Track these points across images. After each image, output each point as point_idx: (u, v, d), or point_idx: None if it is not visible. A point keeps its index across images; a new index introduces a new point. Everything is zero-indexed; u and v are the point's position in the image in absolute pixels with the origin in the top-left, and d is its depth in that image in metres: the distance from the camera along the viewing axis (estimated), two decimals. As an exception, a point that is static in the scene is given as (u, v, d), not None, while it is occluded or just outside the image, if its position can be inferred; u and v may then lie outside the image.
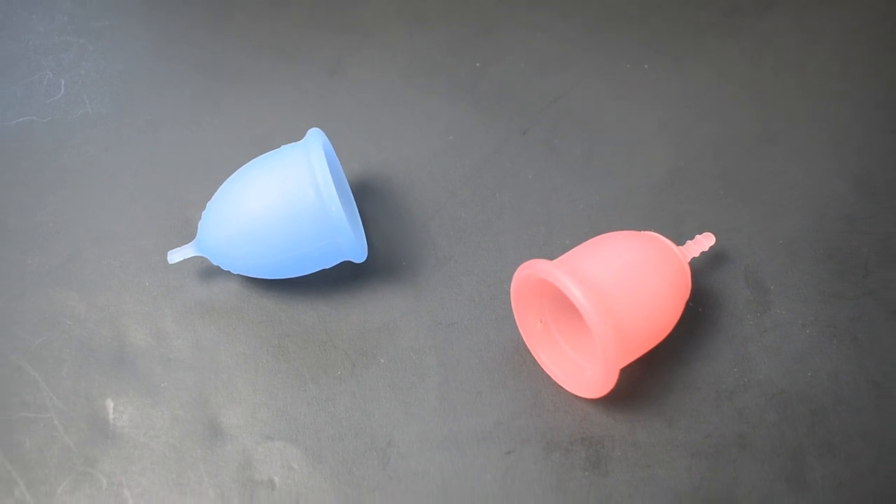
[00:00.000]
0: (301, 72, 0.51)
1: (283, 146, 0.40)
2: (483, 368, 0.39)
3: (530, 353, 0.39)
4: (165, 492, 0.36)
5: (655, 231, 0.39)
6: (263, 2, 0.54)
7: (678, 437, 0.37)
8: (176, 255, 0.40)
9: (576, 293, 0.33)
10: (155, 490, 0.36)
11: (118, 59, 0.51)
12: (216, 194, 0.40)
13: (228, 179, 0.40)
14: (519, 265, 0.37)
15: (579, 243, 0.39)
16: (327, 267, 0.40)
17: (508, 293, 0.39)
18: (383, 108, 0.49)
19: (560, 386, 0.38)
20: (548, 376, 0.39)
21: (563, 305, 0.39)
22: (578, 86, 0.50)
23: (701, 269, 0.42)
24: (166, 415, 0.38)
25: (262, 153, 0.41)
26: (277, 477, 0.36)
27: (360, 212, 0.44)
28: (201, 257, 0.41)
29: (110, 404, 0.38)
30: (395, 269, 0.43)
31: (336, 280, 0.42)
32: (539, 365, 0.39)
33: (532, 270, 0.36)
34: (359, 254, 0.39)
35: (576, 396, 0.38)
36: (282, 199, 0.37)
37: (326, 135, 0.42)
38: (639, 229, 0.40)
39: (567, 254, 0.38)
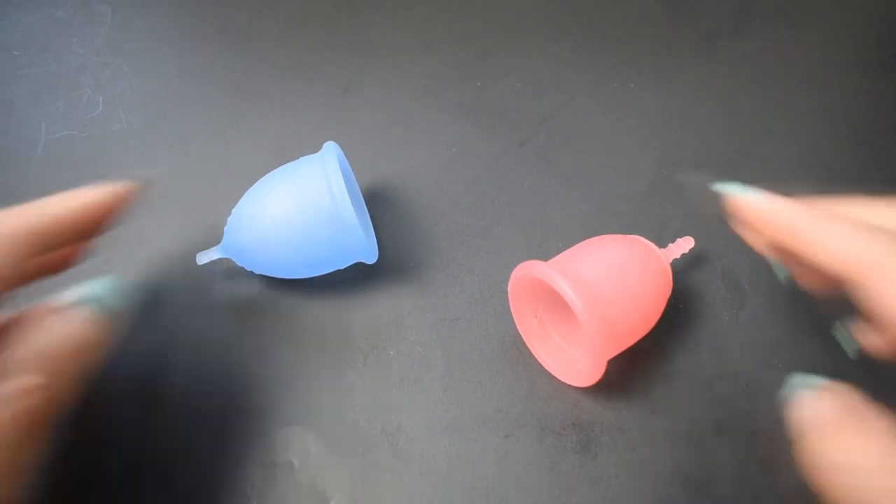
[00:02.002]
0: (317, 91, 0.51)
1: (301, 158, 0.40)
2: (483, 360, 0.40)
3: (526, 347, 0.40)
4: (195, 472, 0.36)
5: (640, 235, 0.39)
6: (283, 27, 0.54)
7: (661, 423, 0.37)
8: (204, 257, 0.40)
9: (567, 291, 0.33)
10: (185, 470, 0.36)
11: (151, 79, 0.51)
12: (240, 202, 0.40)
13: (251, 188, 0.40)
14: (516, 266, 0.37)
15: (571, 246, 0.39)
16: (342, 267, 0.40)
17: (506, 291, 0.40)
18: (392, 124, 0.49)
19: (553, 376, 0.39)
20: (542, 367, 0.39)
21: (557, 302, 0.39)
22: (570, 103, 0.51)
23: (682, 269, 0.43)
24: (195, 402, 0.38)
25: (281, 165, 0.41)
26: (296, 459, 0.36)
27: (371, 218, 0.44)
28: (227, 259, 0.41)
29: (144, 392, 0.38)
30: (404, 269, 0.43)
31: (350, 280, 0.42)
32: (534, 357, 0.39)
33: (528, 270, 0.36)
34: (370, 255, 0.39)
35: (568, 385, 0.38)
36: (300, 206, 0.37)
37: (341, 148, 0.42)
38: (625, 233, 0.40)
39: (560, 255, 0.38)
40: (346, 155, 0.43)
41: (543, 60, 0.53)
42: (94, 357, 0.27)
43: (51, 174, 0.46)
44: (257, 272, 0.40)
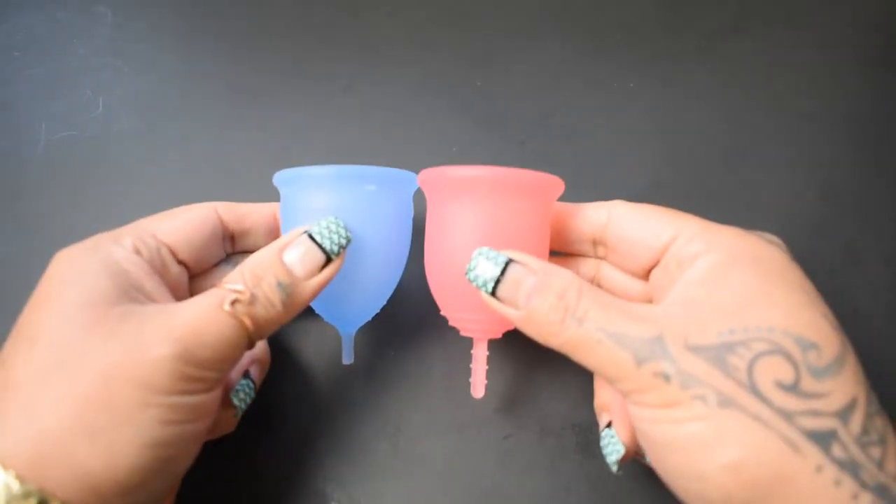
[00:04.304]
0: (318, 90, 0.51)
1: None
2: (483, 360, 0.40)
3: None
4: (196, 472, 0.36)
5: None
6: (284, 28, 0.54)
7: (660, 422, 0.38)
8: (347, 355, 0.37)
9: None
10: (186, 470, 0.36)
11: (151, 79, 0.51)
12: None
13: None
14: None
15: (570, 247, 0.39)
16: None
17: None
18: (393, 124, 0.50)
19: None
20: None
21: None
22: (570, 102, 0.51)
23: (681, 270, 0.43)
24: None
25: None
26: (302, 458, 0.37)
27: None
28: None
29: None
30: (405, 270, 0.43)
31: (350, 280, 0.42)
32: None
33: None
34: (412, 180, 0.37)
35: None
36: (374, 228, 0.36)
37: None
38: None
39: None
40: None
41: (543, 60, 0.53)
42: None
43: (51, 174, 0.47)
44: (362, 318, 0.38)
